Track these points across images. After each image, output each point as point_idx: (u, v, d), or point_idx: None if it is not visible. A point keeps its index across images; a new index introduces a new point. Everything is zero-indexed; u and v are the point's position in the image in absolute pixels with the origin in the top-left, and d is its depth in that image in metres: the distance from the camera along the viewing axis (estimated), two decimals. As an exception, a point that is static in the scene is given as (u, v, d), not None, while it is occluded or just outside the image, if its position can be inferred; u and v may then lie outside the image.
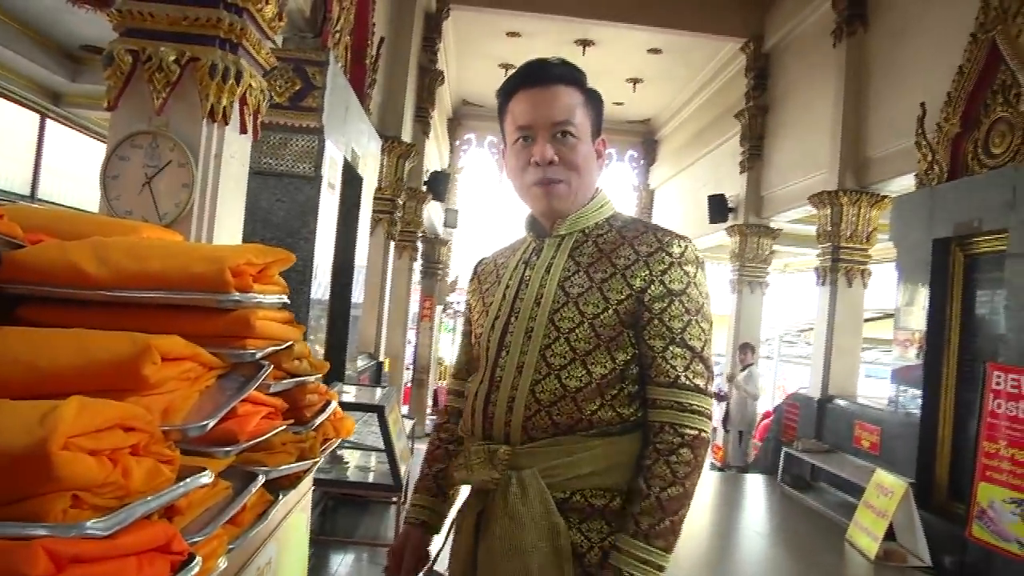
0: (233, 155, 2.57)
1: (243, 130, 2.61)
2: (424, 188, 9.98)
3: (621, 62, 11.26)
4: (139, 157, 2.37)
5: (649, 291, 1.34)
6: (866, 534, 5.07)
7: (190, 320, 1.38)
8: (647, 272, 1.35)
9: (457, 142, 15.32)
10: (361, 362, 6.13)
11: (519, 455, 1.34)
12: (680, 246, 1.38)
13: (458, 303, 21.17)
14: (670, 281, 1.35)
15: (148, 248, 1.45)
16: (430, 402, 16.43)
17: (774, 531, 6.00)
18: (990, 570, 4.57)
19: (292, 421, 1.65)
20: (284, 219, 3.91)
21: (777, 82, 9.14)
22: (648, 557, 1.25)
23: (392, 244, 7.32)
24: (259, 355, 1.46)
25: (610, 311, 1.34)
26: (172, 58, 2.37)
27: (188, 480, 1.07)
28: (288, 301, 1.66)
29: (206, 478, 1.13)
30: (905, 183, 6.33)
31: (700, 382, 1.33)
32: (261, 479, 1.44)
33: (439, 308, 16.65)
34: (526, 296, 1.42)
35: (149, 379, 1.15)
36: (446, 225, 14.65)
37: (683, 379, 1.32)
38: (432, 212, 11.28)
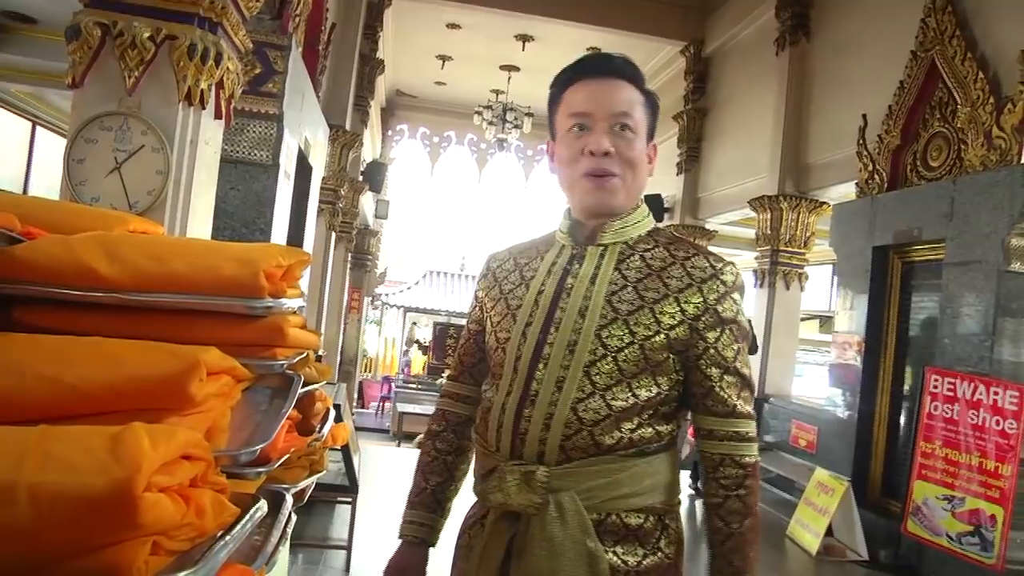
0: (207, 142, 2.40)
1: (218, 115, 2.44)
2: (360, 178, 9.76)
3: (560, 59, 10.94)
4: (108, 140, 2.19)
5: (703, 319, 1.31)
6: (807, 531, 5.22)
7: (217, 327, 1.25)
8: (701, 299, 1.32)
9: (390, 132, 15.07)
10: (302, 357, 5.93)
11: (556, 476, 1.27)
12: (732, 274, 1.36)
13: (385, 295, 20.90)
14: (723, 310, 1.33)
15: (165, 246, 1.31)
16: (356, 395, 16.16)
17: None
18: (921, 563, 4.79)
19: (315, 436, 1.53)
20: (239, 208, 3.70)
21: (717, 86, 9.32)
22: None
23: (333, 235, 7.11)
24: (286, 365, 1.35)
25: (661, 335, 1.29)
26: (147, 35, 2.19)
27: (252, 512, 0.96)
28: (306, 304, 1.55)
29: (263, 509, 1.02)
30: (843, 190, 6.54)
31: (750, 408, 1.36)
32: (289, 500, 1.33)
33: (367, 300, 16.39)
34: (568, 306, 1.33)
35: (195, 397, 1.03)
36: (377, 216, 14.41)
37: (739, 407, 1.33)
38: (364, 202, 11.05)
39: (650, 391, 1.29)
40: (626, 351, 1.28)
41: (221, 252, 1.30)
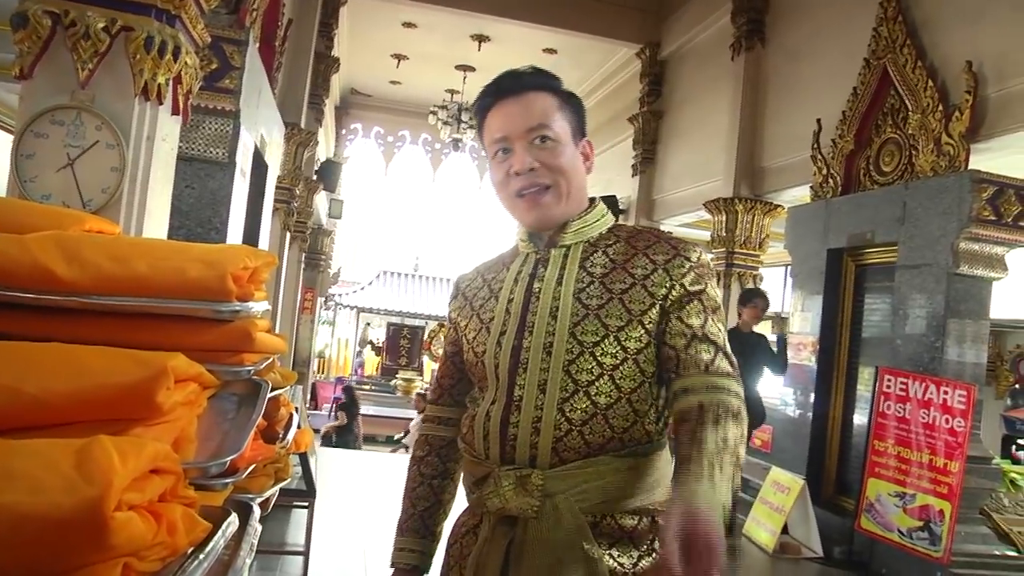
0: (164, 138, 2.32)
1: (175, 111, 2.36)
2: (315, 177, 9.62)
3: (515, 60, 11.03)
4: (59, 135, 2.10)
5: (671, 296, 1.30)
6: (764, 529, 5.29)
7: (183, 332, 1.20)
8: (667, 278, 1.31)
9: (343, 131, 14.90)
10: (257, 359, 5.79)
11: (551, 479, 1.26)
12: (696, 252, 1.35)
13: (338, 295, 20.65)
14: (689, 283, 1.31)
15: (127, 247, 1.25)
16: (308, 396, 15.94)
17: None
18: (873, 557, 4.89)
19: (282, 444, 1.48)
20: (194, 207, 3.60)
21: (673, 89, 9.41)
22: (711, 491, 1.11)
23: (288, 235, 6.98)
24: (253, 371, 1.29)
25: (635, 323, 1.28)
26: (101, 25, 2.11)
27: (224, 528, 0.92)
28: (270, 308, 1.50)
29: (235, 524, 0.97)
30: (797, 193, 6.66)
31: (731, 370, 1.29)
32: (257, 511, 1.27)
33: (320, 300, 16.16)
34: (539, 309, 1.33)
35: (162, 407, 0.98)
36: (331, 215, 14.22)
37: (715, 364, 1.27)
38: (318, 202, 10.89)
39: (634, 381, 1.28)
40: (602, 344, 1.27)
41: (186, 253, 1.24)
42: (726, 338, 1.33)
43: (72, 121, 2.10)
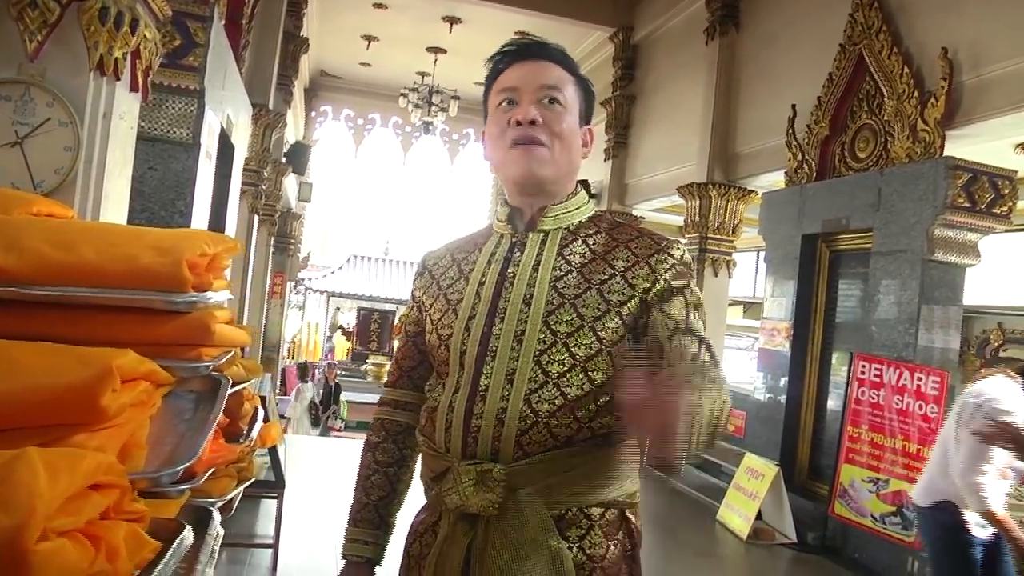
0: (122, 116, 2.19)
1: (134, 88, 2.23)
2: (283, 160, 9.43)
3: (487, 42, 10.83)
4: (6, 111, 1.97)
5: (654, 289, 1.26)
6: (737, 515, 5.30)
7: (133, 325, 1.10)
8: (649, 271, 1.26)
9: (313, 113, 14.65)
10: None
11: (514, 474, 1.20)
12: (679, 249, 1.31)
13: (308, 280, 20.41)
14: (672, 278, 1.27)
15: (74, 232, 1.14)
16: (278, 381, 15.74)
17: (643, 511, 6.13)
18: (846, 543, 4.92)
19: (246, 444, 1.39)
20: (156, 189, 3.46)
21: (646, 73, 9.35)
22: None
23: (256, 219, 6.81)
24: (212, 366, 1.20)
25: (612, 313, 1.23)
26: (50, -6, 1.97)
27: (176, 545, 0.83)
28: (232, 297, 1.40)
29: (188, 538, 0.88)
30: (771, 179, 6.65)
31: (718, 363, 1.24)
32: (217, 517, 1.18)
33: (289, 285, 15.95)
34: (512, 295, 1.27)
35: (108, 411, 0.88)
36: (300, 199, 14.00)
37: (701, 358, 1.21)
38: (287, 185, 10.69)
39: (606, 374, 1.24)
40: (576, 335, 1.22)
41: (138, 239, 1.14)
42: (707, 333, 1.28)
43: (20, 97, 1.97)
